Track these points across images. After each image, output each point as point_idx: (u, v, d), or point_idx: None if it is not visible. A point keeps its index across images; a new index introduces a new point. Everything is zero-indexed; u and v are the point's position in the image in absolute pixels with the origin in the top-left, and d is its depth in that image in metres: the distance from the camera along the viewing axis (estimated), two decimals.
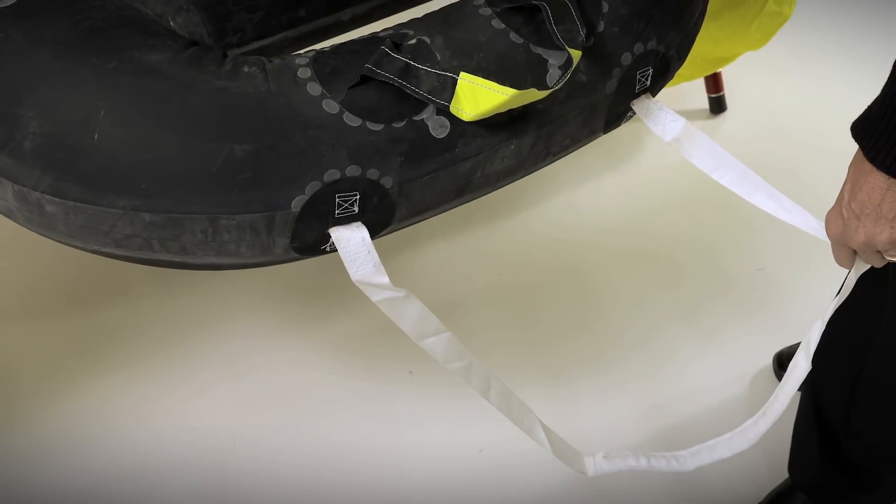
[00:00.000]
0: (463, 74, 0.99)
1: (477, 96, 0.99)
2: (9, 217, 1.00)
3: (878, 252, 0.97)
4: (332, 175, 0.95)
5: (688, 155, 1.16)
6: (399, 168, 0.99)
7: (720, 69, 2.23)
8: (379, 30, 1.06)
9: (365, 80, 0.99)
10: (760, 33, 1.94)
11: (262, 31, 1.16)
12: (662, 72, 1.17)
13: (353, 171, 0.96)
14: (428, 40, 1.03)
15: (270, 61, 1.00)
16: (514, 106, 1.01)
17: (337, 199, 0.96)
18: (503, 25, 1.06)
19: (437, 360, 1.08)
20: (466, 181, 1.05)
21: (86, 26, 0.99)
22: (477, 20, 1.06)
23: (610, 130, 1.18)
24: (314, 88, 0.97)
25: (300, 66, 0.99)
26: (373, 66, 0.98)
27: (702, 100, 2.33)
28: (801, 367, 1.18)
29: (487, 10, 1.07)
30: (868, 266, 1.04)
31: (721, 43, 1.91)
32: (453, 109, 1.00)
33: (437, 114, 1.00)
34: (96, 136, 0.93)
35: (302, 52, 1.03)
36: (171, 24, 1.08)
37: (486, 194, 1.12)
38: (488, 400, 1.14)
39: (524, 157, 1.08)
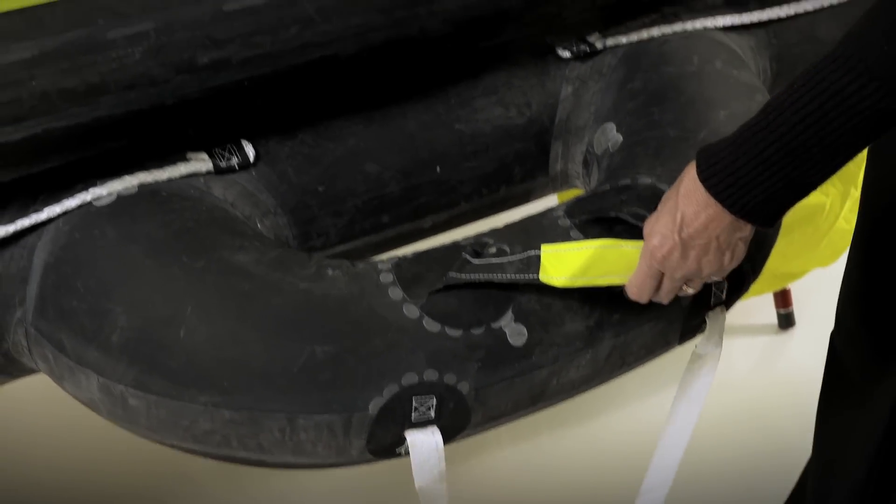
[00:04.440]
0: (544, 246, 1.01)
1: (563, 259, 1.00)
2: (91, 408, 1.02)
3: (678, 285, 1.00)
4: (409, 378, 0.96)
5: (688, 372, 1.18)
6: (476, 374, 0.99)
7: (789, 284, 2.23)
8: (459, 238, 1.09)
9: (445, 286, 1.01)
10: (830, 250, 1.95)
11: (345, 235, 1.19)
12: (738, 286, 1.17)
13: (430, 375, 0.97)
14: (508, 249, 1.05)
15: (354, 265, 1.03)
16: (605, 274, 1.02)
17: (413, 403, 0.97)
18: (582, 236, 1.08)
19: None
20: (542, 389, 1.05)
21: (177, 226, 1.03)
22: (556, 231, 1.08)
23: (685, 342, 1.19)
24: (395, 293, 0.99)
25: (382, 270, 1.02)
26: (455, 271, 1.01)
27: (770, 314, 2.32)
28: None
29: (567, 221, 1.09)
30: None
31: (791, 259, 1.92)
32: (543, 279, 1.00)
33: (515, 321, 1.01)
34: (182, 333, 0.95)
35: (385, 257, 1.06)
36: (259, 225, 1.12)
37: (560, 402, 1.12)
38: None
39: (600, 367, 1.09)
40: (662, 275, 0.99)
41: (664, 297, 1.02)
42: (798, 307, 2.31)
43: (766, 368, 2.23)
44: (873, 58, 0.81)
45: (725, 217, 0.92)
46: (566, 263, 1.00)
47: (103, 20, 1.01)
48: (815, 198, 1.82)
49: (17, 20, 0.99)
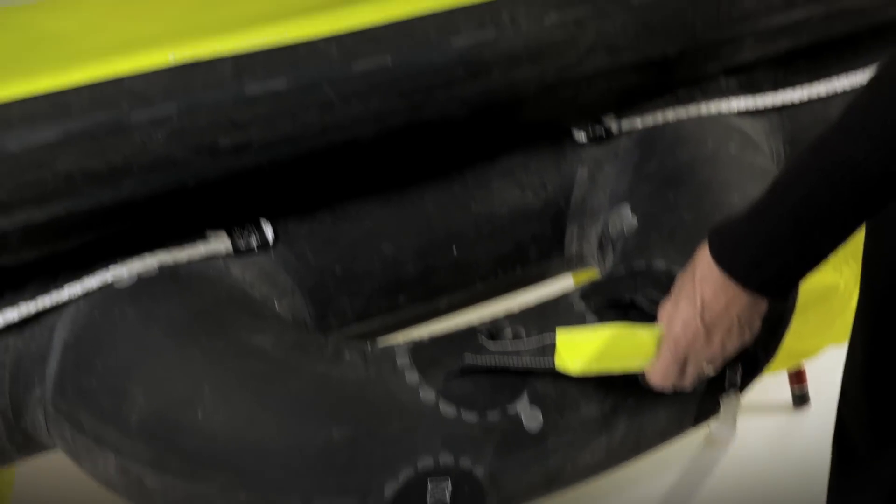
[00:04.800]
0: (559, 329, 1.02)
1: (578, 345, 1.01)
2: (108, 488, 1.02)
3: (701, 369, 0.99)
4: (425, 462, 0.96)
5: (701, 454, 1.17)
6: (491, 458, 0.99)
7: (803, 362, 2.22)
8: (475, 319, 1.10)
9: (461, 370, 1.01)
10: (845, 328, 1.93)
11: (361, 314, 1.20)
12: (751, 369, 1.18)
13: (446, 458, 0.97)
14: (524, 332, 1.05)
15: (371, 348, 1.03)
16: (621, 361, 1.01)
17: (429, 486, 0.97)
18: (597, 320, 1.08)
19: None
20: (557, 473, 1.05)
21: (196, 307, 1.05)
22: (571, 315, 1.09)
23: (698, 425, 1.18)
24: (412, 377, 1.00)
25: (399, 354, 1.02)
26: (472, 353, 1.01)
27: (785, 392, 2.31)
28: None
29: (582, 305, 1.10)
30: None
31: (806, 338, 1.92)
32: (559, 366, 1.01)
33: (530, 405, 1.01)
34: (200, 414, 0.96)
35: (402, 340, 1.07)
36: (276, 306, 1.13)
37: (575, 485, 1.11)
38: None
39: (614, 451, 1.08)
40: (685, 360, 0.99)
41: (688, 382, 1.01)
42: (813, 385, 2.30)
43: (781, 447, 2.21)
44: (881, 125, 0.82)
45: (744, 296, 0.92)
46: (581, 349, 1.01)
47: (127, 103, 1.03)
48: (829, 278, 1.83)
49: (42, 103, 1.01)
